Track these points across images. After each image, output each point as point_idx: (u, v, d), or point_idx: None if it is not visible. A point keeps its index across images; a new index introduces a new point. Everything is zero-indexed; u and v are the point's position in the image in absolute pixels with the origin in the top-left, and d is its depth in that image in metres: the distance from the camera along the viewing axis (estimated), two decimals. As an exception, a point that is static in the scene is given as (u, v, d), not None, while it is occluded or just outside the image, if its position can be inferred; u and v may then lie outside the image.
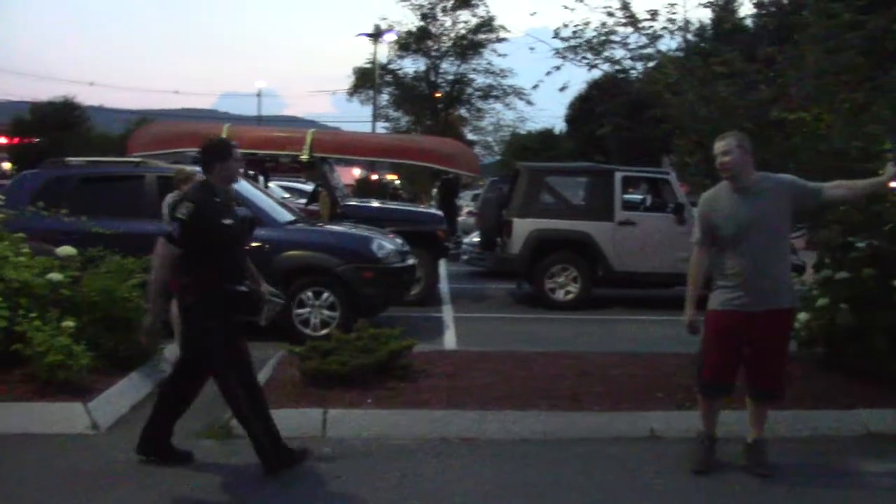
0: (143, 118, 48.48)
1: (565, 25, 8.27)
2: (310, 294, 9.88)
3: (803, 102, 7.62)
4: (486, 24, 48.44)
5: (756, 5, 11.91)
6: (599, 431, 6.46)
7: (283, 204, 11.94)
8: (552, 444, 6.26)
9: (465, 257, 18.09)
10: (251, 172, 13.86)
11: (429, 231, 13.85)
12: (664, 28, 8.14)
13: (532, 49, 8.91)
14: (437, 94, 49.95)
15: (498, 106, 50.52)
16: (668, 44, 8.48)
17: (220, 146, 5.60)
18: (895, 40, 7.48)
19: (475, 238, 17.26)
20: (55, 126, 47.48)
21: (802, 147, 7.53)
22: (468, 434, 6.36)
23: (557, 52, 8.32)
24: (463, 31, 48.83)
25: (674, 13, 8.13)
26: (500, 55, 48.23)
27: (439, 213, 15.80)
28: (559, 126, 53.67)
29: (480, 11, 48.22)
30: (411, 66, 50.14)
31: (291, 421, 6.11)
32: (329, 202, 13.79)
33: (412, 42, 48.78)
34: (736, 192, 5.56)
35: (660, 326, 10.94)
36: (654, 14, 8.04)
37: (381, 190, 30.83)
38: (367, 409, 6.60)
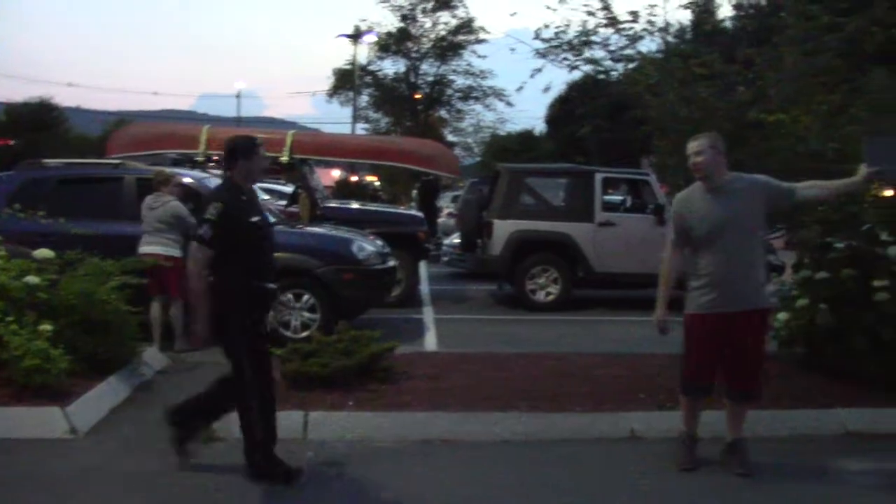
0: (122, 119, 48.23)
1: (546, 26, 8.29)
2: (290, 296, 9.83)
3: (782, 104, 7.66)
4: (466, 26, 48.61)
5: (735, 7, 11.98)
6: (581, 432, 6.46)
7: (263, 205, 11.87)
8: (534, 445, 6.26)
9: (445, 259, 18.06)
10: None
11: (409, 232, 13.84)
12: (644, 29, 8.17)
13: (513, 50, 8.93)
14: (417, 96, 50.02)
15: (478, 107, 50.80)
16: (649, 45, 8.51)
17: (246, 142, 5.50)
18: (873, 43, 7.53)
19: (455, 239, 17.23)
20: (31, 127, 47.06)
21: (780, 148, 7.57)
22: (450, 436, 6.35)
23: (538, 52, 8.33)
24: (443, 33, 49.00)
25: (654, 15, 8.17)
26: (479, 56, 48.42)
27: (419, 214, 15.78)
28: (539, 127, 53.99)
29: (460, 13, 48.43)
30: (391, 67, 50.36)
31: (272, 424, 6.07)
32: (309, 204, 13.75)
33: (392, 43, 48.84)
34: (709, 193, 5.59)
35: (641, 327, 10.86)
36: (635, 15, 8.07)
37: (361, 191, 30.68)
38: (349, 412, 6.58)
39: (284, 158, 14.28)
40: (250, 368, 5.29)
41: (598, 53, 8.32)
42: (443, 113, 52.28)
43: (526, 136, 52.24)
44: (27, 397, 6.47)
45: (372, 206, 17.66)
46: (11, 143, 42.88)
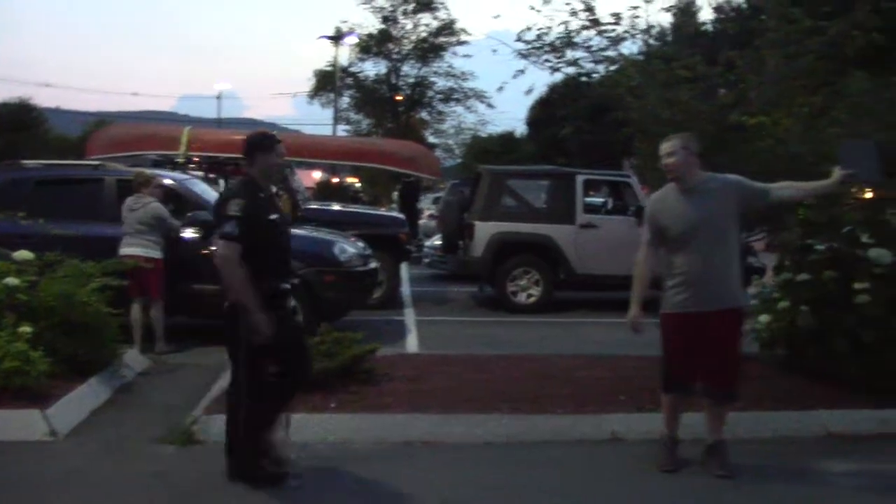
0: (102, 120, 47.90)
1: (528, 28, 8.30)
2: (271, 298, 9.76)
3: (763, 107, 7.69)
4: (447, 28, 48.56)
5: (716, 10, 12.02)
6: (563, 434, 6.46)
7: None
8: (516, 447, 6.26)
9: (426, 260, 18.04)
10: (211, 176, 13.74)
11: (390, 234, 13.82)
12: (626, 31, 8.20)
13: (494, 51, 8.94)
14: (398, 97, 49.94)
15: (459, 109, 50.70)
16: (630, 48, 8.54)
17: (264, 138, 5.46)
18: (854, 46, 7.57)
19: (437, 241, 17.23)
20: (10, 128, 46.69)
21: (761, 151, 7.60)
22: (431, 438, 6.33)
23: (520, 53, 8.34)
24: (424, 34, 48.91)
25: (636, 17, 8.19)
26: (463, 56, 48.43)
27: (401, 216, 15.75)
28: (520, 129, 54.00)
29: (441, 14, 48.38)
30: (372, 68, 50.19)
31: (254, 426, 6.04)
32: (290, 205, 13.70)
33: (373, 45, 48.71)
34: (683, 193, 5.62)
35: (622, 329, 10.76)
36: (617, 17, 8.09)
37: (342, 193, 30.63)
38: (331, 414, 6.56)
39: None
40: (256, 368, 5.24)
41: (580, 55, 8.35)
42: (424, 115, 52.26)
43: (507, 138, 52.27)
44: (6, 399, 6.40)
45: (353, 208, 17.63)
46: (-11, 144, 42.56)
